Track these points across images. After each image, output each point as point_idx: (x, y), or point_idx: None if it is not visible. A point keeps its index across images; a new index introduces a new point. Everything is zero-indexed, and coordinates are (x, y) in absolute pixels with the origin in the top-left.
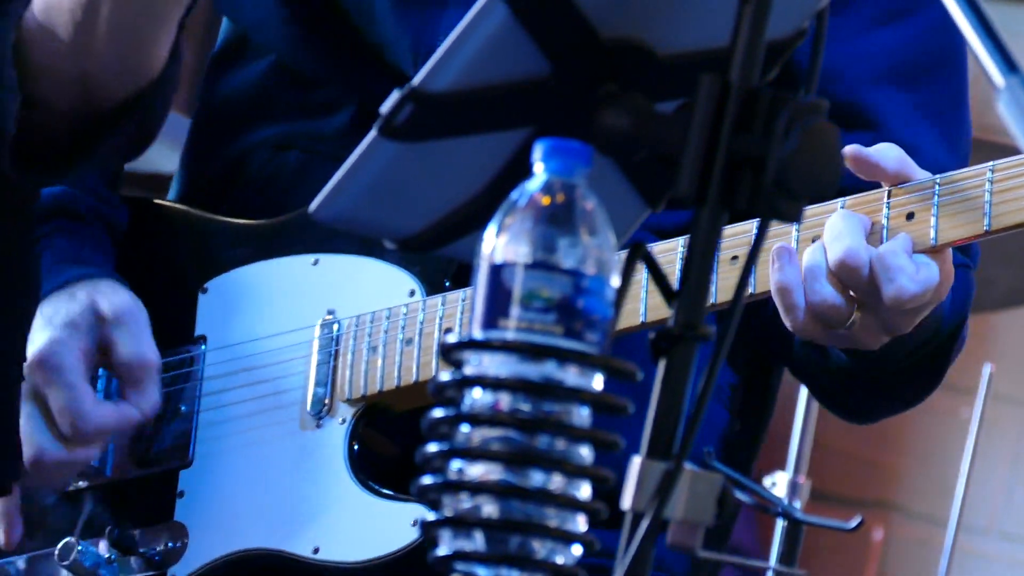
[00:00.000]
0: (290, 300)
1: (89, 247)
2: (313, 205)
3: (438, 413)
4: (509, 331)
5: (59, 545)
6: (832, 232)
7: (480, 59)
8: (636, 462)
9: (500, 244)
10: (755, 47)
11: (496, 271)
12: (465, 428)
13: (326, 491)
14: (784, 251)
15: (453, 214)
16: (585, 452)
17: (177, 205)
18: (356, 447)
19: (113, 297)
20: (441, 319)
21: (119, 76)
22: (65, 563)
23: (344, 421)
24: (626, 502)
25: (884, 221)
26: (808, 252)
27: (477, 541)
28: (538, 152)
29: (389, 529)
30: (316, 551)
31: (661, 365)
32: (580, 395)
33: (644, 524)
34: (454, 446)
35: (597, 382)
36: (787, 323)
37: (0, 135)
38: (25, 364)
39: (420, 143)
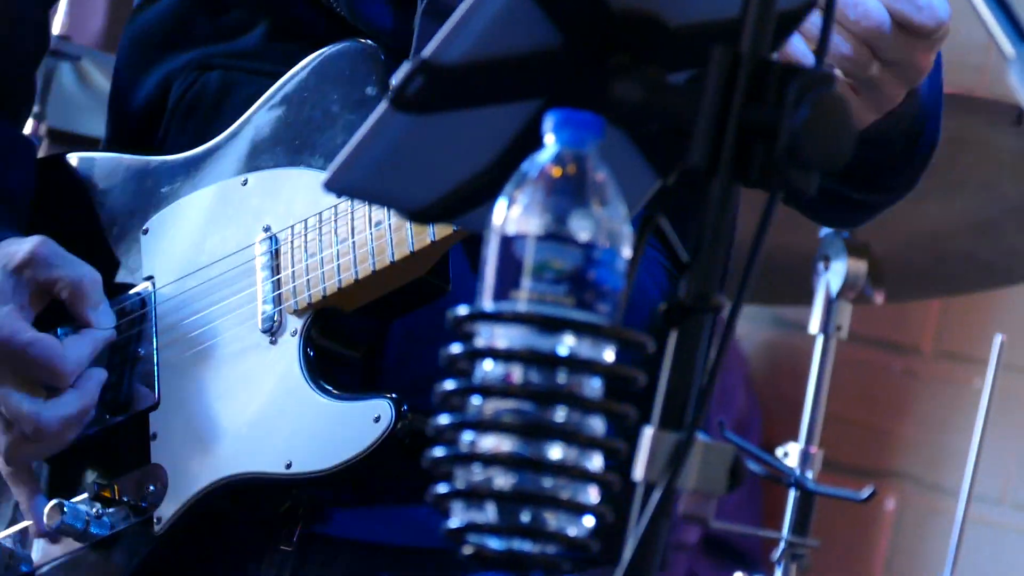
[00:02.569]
0: (228, 224)
1: None
2: (325, 176)
3: (449, 385)
4: (520, 302)
5: (47, 508)
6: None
7: (491, 31)
8: (648, 433)
9: (511, 215)
10: (766, 18)
11: (507, 242)
12: (476, 400)
13: (289, 405)
14: None
15: (465, 185)
16: (597, 424)
17: (101, 154)
18: (312, 355)
19: (19, 245)
20: (371, 212)
21: None
22: (55, 528)
23: (296, 332)
24: (638, 473)
25: None
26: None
27: (489, 513)
28: (549, 123)
29: (354, 430)
30: (289, 466)
31: (673, 336)
32: (592, 367)
33: (656, 495)
34: (465, 418)
35: (609, 354)
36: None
37: None
38: None
39: (431, 115)
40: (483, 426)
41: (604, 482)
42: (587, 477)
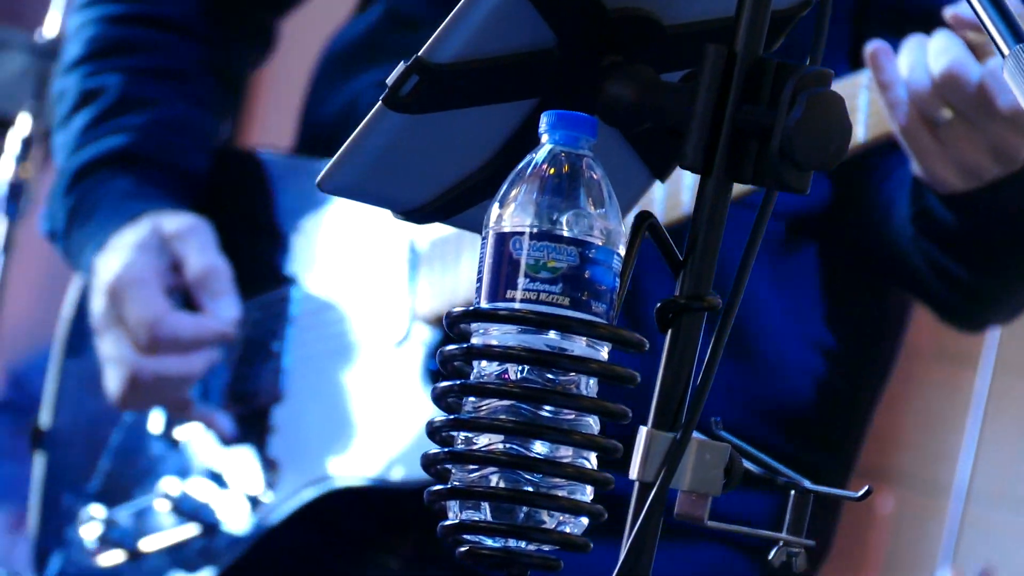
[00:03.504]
0: (373, 233)
1: (154, 185)
2: (319, 177)
3: (445, 384)
4: (515, 302)
5: (161, 491)
6: (935, 49)
7: (485, 30)
8: (643, 432)
9: (506, 215)
10: (760, 17)
11: (502, 242)
12: (472, 399)
13: (408, 413)
14: (882, 50)
15: (459, 185)
16: (593, 423)
17: (281, 154)
18: (434, 367)
19: (175, 217)
20: None
21: None
22: (168, 508)
23: (423, 342)
24: (633, 472)
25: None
26: (907, 51)
27: (485, 511)
28: (544, 123)
29: None
30: (405, 475)
31: (668, 336)
32: (588, 365)
33: (651, 494)
34: (461, 417)
35: (604, 353)
36: (893, 127)
37: None
38: (103, 291)
39: (425, 114)
40: (478, 425)
41: (600, 480)
42: (582, 476)
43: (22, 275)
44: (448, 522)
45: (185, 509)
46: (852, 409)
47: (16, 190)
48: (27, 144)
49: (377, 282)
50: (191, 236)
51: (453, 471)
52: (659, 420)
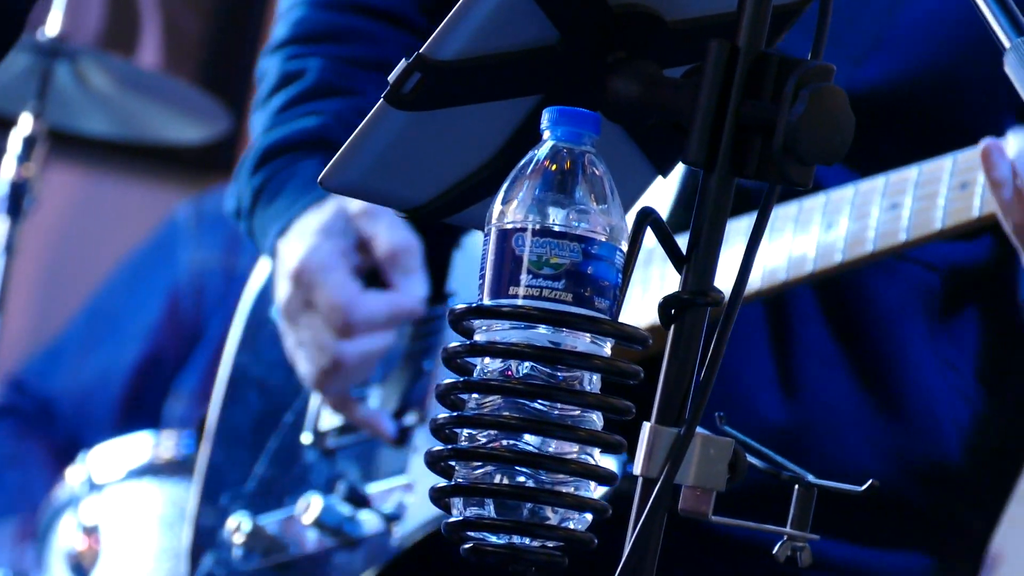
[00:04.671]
0: None
1: None
2: (322, 175)
3: (448, 382)
4: (518, 298)
5: (305, 502)
6: None
7: (488, 27)
8: (647, 428)
9: (509, 211)
10: (763, 12)
11: (505, 238)
12: (476, 395)
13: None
14: (995, 147)
15: (462, 182)
16: (596, 419)
17: None
18: None
19: (359, 202)
20: None
21: None
22: (312, 519)
23: None
24: (637, 468)
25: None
26: (1014, 141)
27: (489, 508)
28: (546, 120)
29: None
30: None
31: (671, 331)
32: (591, 361)
33: (655, 490)
34: (465, 414)
35: (607, 349)
36: (1007, 225)
37: None
38: (289, 277)
39: (428, 111)
40: (482, 422)
41: (603, 476)
42: (586, 472)
43: (23, 277)
44: (452, 519)
45: (328, 522)
46: (1001, 465)
47: (18, 190)
48: (29, 144)
49: None
50: (380, 212)
51: (457, 468)
52: (663, 415)
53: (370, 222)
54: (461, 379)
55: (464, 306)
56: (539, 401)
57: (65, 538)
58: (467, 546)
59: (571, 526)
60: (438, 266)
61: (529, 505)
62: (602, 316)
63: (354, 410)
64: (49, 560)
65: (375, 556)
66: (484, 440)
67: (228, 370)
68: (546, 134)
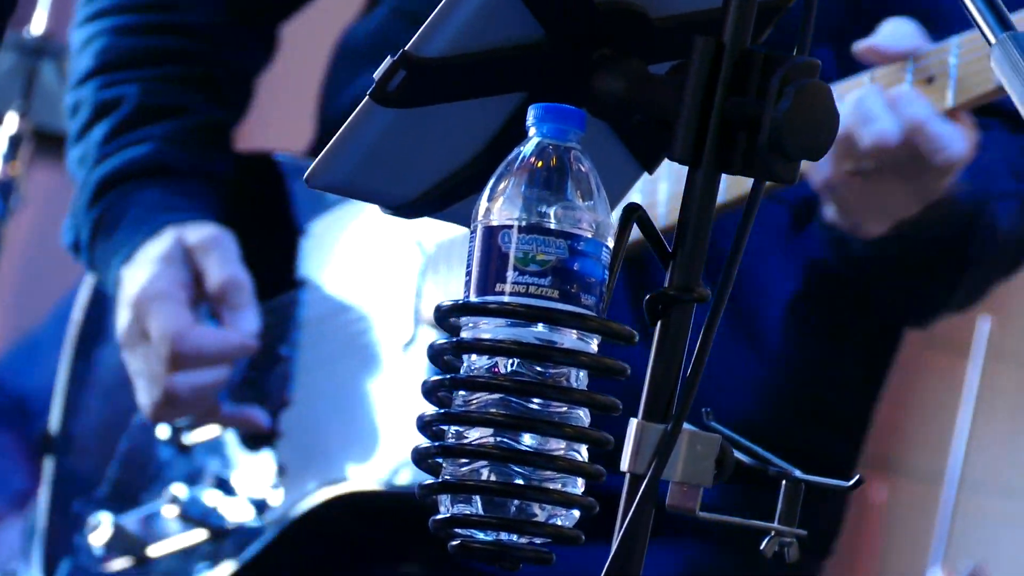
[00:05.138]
0: (382, 236)
1: (181, 195)
2: (307, 172)
3: (435, 379)
4: (504, 295)
5: (169, 496)
6: (858, 115)
7: (472, 24)
8: (634, 424)
9: (495, 208)
10: (748, 8)
11: (490, 235)
12: (463, 392)
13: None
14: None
15: (448, 179)
16: (583, 415)
17: (294, 158)
18: None
19: (198, 229)
20: None
21: None
22: (176, 513)
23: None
24: (624, 464)
25: (907, 87)
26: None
27: (476, 505)
28: (532, 116)
29: None
30: (415, 479)
31: (658, 327)
32: (578, 358)
33: (642, 486)
34: (452, 411)
35: (594, 345)
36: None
37: None
38: (128, 305)
39: (413, 109)
40: (469, 419)
41: (591, 473)
42: (574, 468)
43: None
44: (440, 516)
45: (193, 514)
46: (861, 395)
47: (5, 188)
48: (15, 142)
49: (387, 284)
50: (213, 248)
51: (444, 465)
52: (650, 411)
53: (203, 256)
54: (448, 376)
55: (450, 303)
56: (526, 398)
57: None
58: (454, 543)
59: (559, 523)
60: (286, 254)
61: (517, 502)
62: (589, 312)
63: (220, 415)
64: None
65: (247, 545)
66: (471, 437)
67: (64, 380)
68: (532, 131)
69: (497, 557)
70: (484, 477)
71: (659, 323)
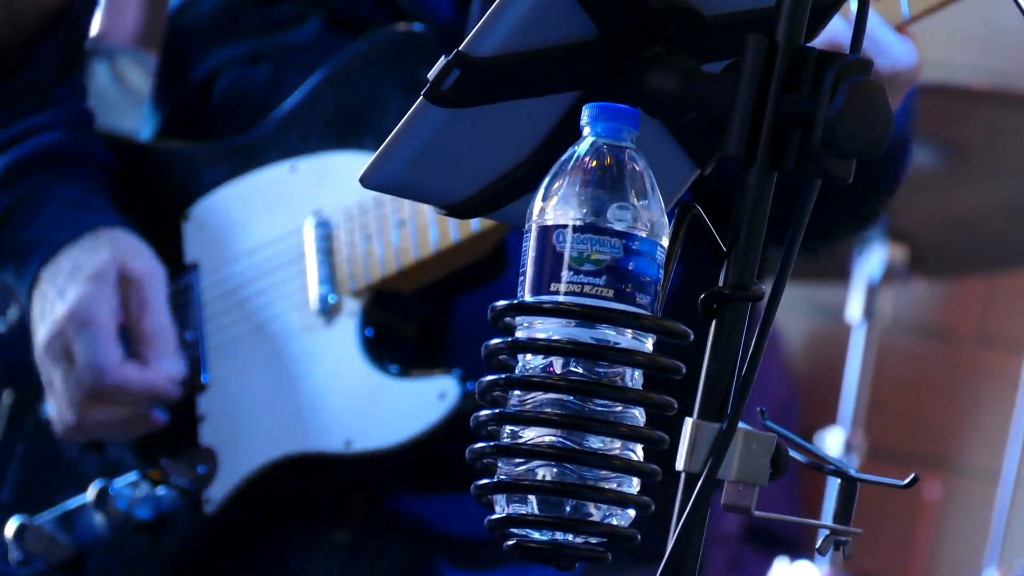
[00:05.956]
0: (275, 210)
1: (93, 191)
2: (361, 172)
3: (491, 378)
4: (559, 295)
5: (91, 491)
6: None
7: (526, 23)
8: (689, 423)
9: (549, 208)
10: (801, 7)
11: (545, 235)
12: (518, 392)
13: (348, 384)
14: None
15: (502, 179)
16: (638, 415)
17: (141, 141)
18: (371, 335)
19: (138, 258)
20: None
21: None
22: (101, 508)
23: (353, 313)
24: (680, 463)
25: None
26: None
27: (532, 505)
28: (586, 116)
29: (418, 407)
30: (349, 444)
31: (712, 325)
32: (633, 357)
33: (697, 485)
34: (507, 410)
35: (649, 344)
36: None
37: None
38: (55, 320)
39: (467, 108)
40: (524, 419)
41: (646, 472)
42: (629, 468)
43: None
44: (495, 516)
45: (120, 507)
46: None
47: None
48: None
49: (285, 256)
50: (150, 287)
51: (499, 465)
52: (705, 410)
53: (140, 294)
54: (502, 375)
55: (505, 303)
56: (581, 397)
57: None
58: (510, 543)
59: (614, 522)
60: (171, 239)
61: (572, 501)
62: (643, 312)
63: (151, 421)
64: None
65: (183, 531)
66: (526, 437)
67: None
68: (586, 130)
69: (553, 556)
70: (539, 477)
71: (714, 321)
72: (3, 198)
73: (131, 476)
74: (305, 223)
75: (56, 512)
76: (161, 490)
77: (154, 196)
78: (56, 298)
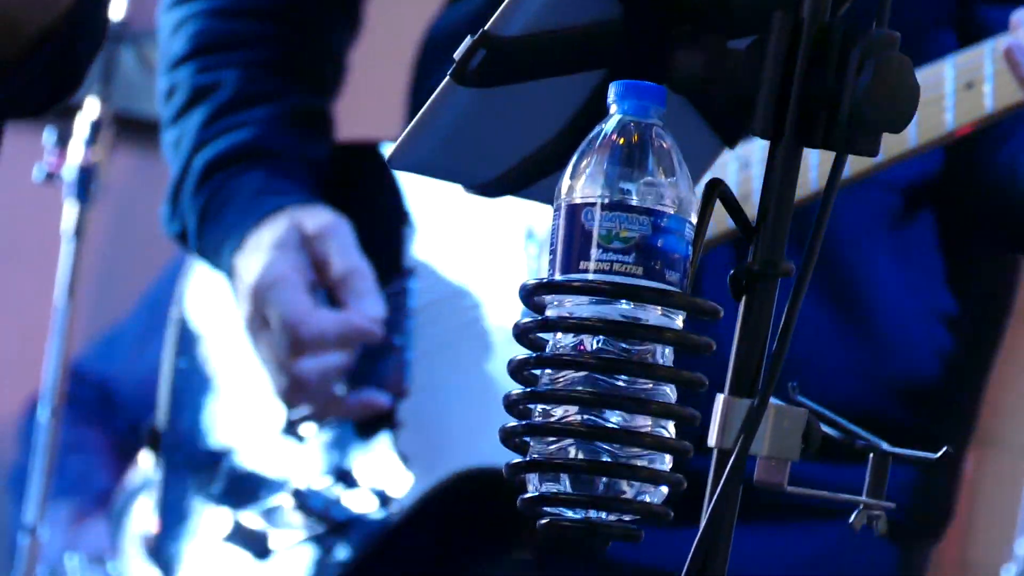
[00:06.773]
0: (493, 220)
1: (285, 179)
2: (388, 153)
3: (521, 357)
4: (589, 273)
5: (287, 491)
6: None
7: (551, 2)
8: (720, 400)
9: (577, 186)
10: None
11: (574, 213)
12: (549, 371)
13: None
14: (1016, 47)
15: (530, 158)
16: (669, 392)
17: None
18: None
19: (315, 215)
20: None
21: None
22: (295, 507)
23: None
24: (711, 440)
25: None
26: None
27: (564, 483)
28: (613, 94)
29: None
30: None
31: (742, 302)
32: (663, 335)
33: (730, 461)
34: (538, 389)
35: (679, 321)
36: None
37: None
38: (246, 296)
39: (494, 88)
40: (555, 397)
41: (678, 449)
42: (661, 445)
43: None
44: (528, 495)
45: (314, 507)
46: (972, 375)
47: (86, 174)
48: (96, 127)
49: (498, 268)
50: (332, 235)
51: (532, 444)
52: (736, 387)
53: (323, 244)
54: (533, 355)
55: (535, 281)
56: (612, 375)
57: (139, 521)
58: (543, 521)
59: (647, 499)
60: (392, 242)
61: (605, 479)
62: (673, 288)
63: (343, 407)
64: (124, 543)
65: (369, 536)
66: (558, 415)
67: (169, 377)
68: (613, 108)
69: (586, 535)
70: (572, 455)
71: (744, 298)
72: (200, 198)
73: (326, 477)
74: (520, 238)
75: (257, 508)
76: (353, 493)
77: (387, 198)
78: (244, 276)
